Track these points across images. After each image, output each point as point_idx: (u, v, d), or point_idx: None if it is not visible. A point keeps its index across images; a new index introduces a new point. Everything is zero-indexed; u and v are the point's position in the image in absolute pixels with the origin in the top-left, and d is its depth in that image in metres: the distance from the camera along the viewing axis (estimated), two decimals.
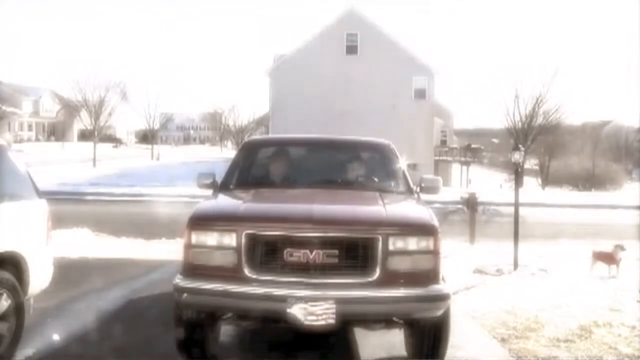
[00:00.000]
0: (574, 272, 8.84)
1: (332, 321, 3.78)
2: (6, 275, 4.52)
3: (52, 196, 7.74)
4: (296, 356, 4.87)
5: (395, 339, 4.93)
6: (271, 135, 6.62)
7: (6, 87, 50.18)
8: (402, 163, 5.65)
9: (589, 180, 41.48)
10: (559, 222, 17.20)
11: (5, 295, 4.49)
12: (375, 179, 5.52)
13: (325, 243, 3.87)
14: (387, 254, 3.88)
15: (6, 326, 4.53)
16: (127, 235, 11.37)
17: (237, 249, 3.90)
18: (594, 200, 26.38)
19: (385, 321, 4.31)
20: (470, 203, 11.12)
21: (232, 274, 3.89)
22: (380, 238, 3.89)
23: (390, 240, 3.90)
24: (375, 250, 3.88)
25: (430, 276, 3.98)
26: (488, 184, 40.46)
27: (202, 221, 4.12)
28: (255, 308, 3.94)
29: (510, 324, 5.94)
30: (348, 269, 3.89)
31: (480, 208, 12.77)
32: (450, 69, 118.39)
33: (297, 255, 3.85)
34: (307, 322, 3.77)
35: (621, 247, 8.08)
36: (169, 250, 10.15)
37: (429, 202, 5.19)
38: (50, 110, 63.82)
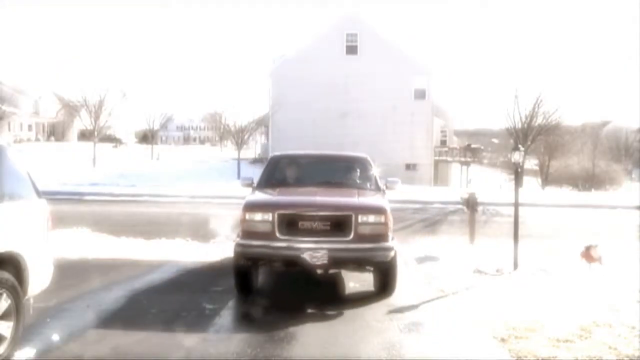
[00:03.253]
0: (574, 272, 8.84)
1: (326, 261, 6.39)
2: (6, 275, 4.52)
3: (52, 196, 7.74)
4: (306, 290, 7.52)
5: (368, 279, 7.46)
6: (288, 152, 9.74)
7: (6, 87, 50.08)
8: (374, 170, 8.35)
9: (589, 180, 41.40)
10: (559, 222, 17.18)
11: (5, 295, 4.50)
12: (357, 181, 8.14)
13: (322, 218, 6.54)
14: (357, 224, 6.49)
15: (6, 326, 4.53)
16: (127, 235, 11.36)
17: (272, 222, 6.50)
18: (594, 200, 26.35)
19: (360, 268, 6.94)
20: (470, 203, 11.08)
21: (269, 236, 6.48)
22: (353, 215, 6.51)
23: (359, 217, 6.53)
24: (350, 222, 6.49)
25: (382, 237, 6.59)
26: (488, 184, 40.45)
27: (252, 206, 6.81)
28: (283, 255, 6.54)
29: (510, 324, 5.94)
30: (335, 232, 6.50)
31: (480, 208, 12.74)
32: (450, 69, 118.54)
33: (306, 225, 6.50)
34: (312, 262, 6.37)
35: (594, 247, 8.87)
36: (169, 251, 10.15)
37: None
38: (50, 110, 63.68)
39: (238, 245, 6.59)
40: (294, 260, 6.47)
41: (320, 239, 6.40)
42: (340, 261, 6.58)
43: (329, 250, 6.34)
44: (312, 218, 6.48)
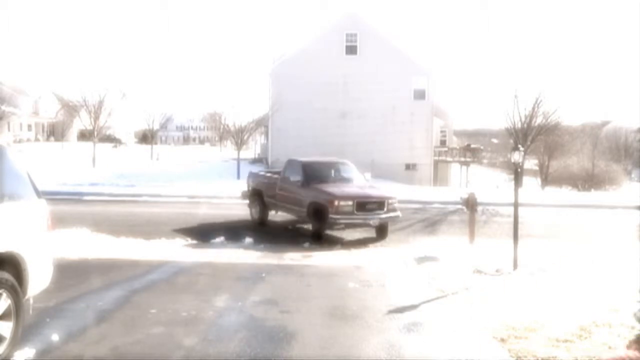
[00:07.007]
0: (573, 271, 8.84)
1: (378, 223, 12.35)
2: (6, 275, 4.52)
3: (51, 196, 7.74)
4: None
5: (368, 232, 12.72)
6: (311, 158, 15.05)
7: (6, 87, 50.06)
8: (356, 170, 14.37)
9: (589, 181, 41.40)
10: (558, 222, 17.18)
11: (4, 295, 4.50)
12: (354, 177, 13.94)
13: (374, 202, 12.44)
14: (388, 205, 12.46)
15: (6, 326, 4.53)
16: (127, 235, 11.37)
17: (352, 205, 12.03)
18: (593, 200, 26.32)
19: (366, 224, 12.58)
20: (470, 203, 11.08)
21: (350, 212, 12.01)
22: (386, 200, 12.52)
23: (389, 200, 12.58)
24: (384, 203, 12.45)
25: (396, 209, 12.73)
26: (487, 184, 40.42)
27: (339, 197, 12.04)
28: (358, 222, 12.30)
29: (509, 324, 5.95)
30: (379, 209, 12.36)
31: (479, 208, 12.77)
32: (450, 69, 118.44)
33: (368, 206, 12.26)
34: (372, 224, 12.36)
35: None
36: (169, 250, 10.15)
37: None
38: (50, 110, 63.64)
39: (332, 218, 11.79)
40: (364, 223, 12.23)
41: (373, 212, 12.16)
42: (382, 222, 12.36)
43: (378, 218, 12.18)
44: (370, 202, 12.25)
